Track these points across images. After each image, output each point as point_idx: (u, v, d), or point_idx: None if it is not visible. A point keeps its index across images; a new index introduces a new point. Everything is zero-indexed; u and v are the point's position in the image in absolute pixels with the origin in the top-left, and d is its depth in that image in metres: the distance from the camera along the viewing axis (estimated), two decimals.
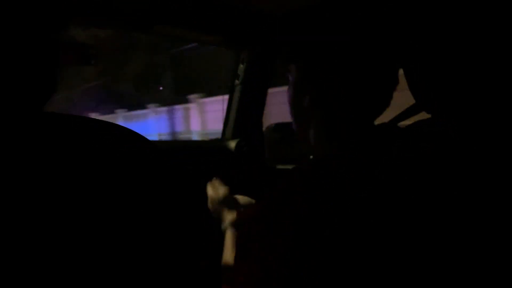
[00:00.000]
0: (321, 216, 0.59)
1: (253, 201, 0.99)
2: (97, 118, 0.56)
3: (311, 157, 0.84)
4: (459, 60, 0.60)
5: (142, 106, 12.63)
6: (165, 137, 11.32)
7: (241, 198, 1.00)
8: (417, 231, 0.57)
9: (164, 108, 12.10)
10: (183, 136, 11.07)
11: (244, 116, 1.61)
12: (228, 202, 0.97)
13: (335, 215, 0.58)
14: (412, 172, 0.59)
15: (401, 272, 0.56)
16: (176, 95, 11.68)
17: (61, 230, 0.47)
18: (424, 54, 0.64)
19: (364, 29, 0.70)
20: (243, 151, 1.58)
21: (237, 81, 1.58)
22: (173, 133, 11.59)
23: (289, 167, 1.61)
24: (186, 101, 11.18)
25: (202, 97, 10.66)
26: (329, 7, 0.73)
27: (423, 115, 0.75)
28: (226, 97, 1.64)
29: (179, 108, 11.57)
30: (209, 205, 0.99)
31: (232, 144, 1.59)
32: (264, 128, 1.66)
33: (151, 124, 11.99)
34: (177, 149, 1.51)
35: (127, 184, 0.52)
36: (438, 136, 0.63)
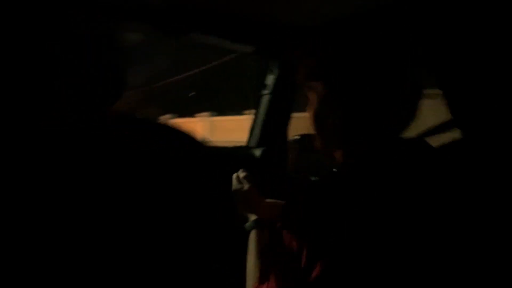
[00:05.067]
0: (341, 231, 0.60)
1: (279, 202, 1.00)
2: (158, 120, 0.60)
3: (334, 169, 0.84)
4: (501, 83, 0.60)
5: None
6: None
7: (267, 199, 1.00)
8: (448, 252, 0.57)
9: None
10: None
11: (270, 125, 1.63)
12: (251, 199, 0.98)
13: (355, 232, 0.59)
14: (440, 193, 0.60)
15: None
16: None
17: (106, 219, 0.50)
18: (465, 76, 0.64)
19: (395, 45, 0.71)
20: (267, 159, 1.60)
21: (265, 91, 1.61)
22: None
23: (312, 177, 1.62)
24: None
25: None
26: (362, 22, 0.75)
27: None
28: None
29: None
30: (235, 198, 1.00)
31: (257, 152, 1.61)
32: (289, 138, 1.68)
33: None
34: (202, 154, 1.54)
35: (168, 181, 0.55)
36: (471, 158, 0.63)
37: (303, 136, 1.63)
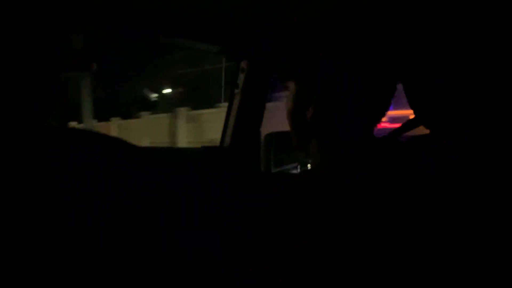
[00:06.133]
0: (316, 227, 0.60)
1: None
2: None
3: (309, 166, 0.84)
4: (458, 76, 0.61)
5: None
6: None
7: None
8: (415, 248, 0.57)
9: None
10: None
11: (242, 124, 1.62)
12: None
13: (329, 227, 0.59)
14: (410, 188, 0.60)
15: None
16: None
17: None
18: (424, 69, 0.64)
19: (367, 45, 0.71)
20: (240, 158, 1.60)
21: (236, 90, 1.60)
22: None
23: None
24: None
25: None
26: (332, 22, 0.75)
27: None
28: None
29: None
30: None
31: (230, 151, 1.60)
32: (262, 137, 1.68)
33: None
34: (175, 156, 1.52)
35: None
36: (437, 153, 0.63)
37: (277, 134, 1.63)
